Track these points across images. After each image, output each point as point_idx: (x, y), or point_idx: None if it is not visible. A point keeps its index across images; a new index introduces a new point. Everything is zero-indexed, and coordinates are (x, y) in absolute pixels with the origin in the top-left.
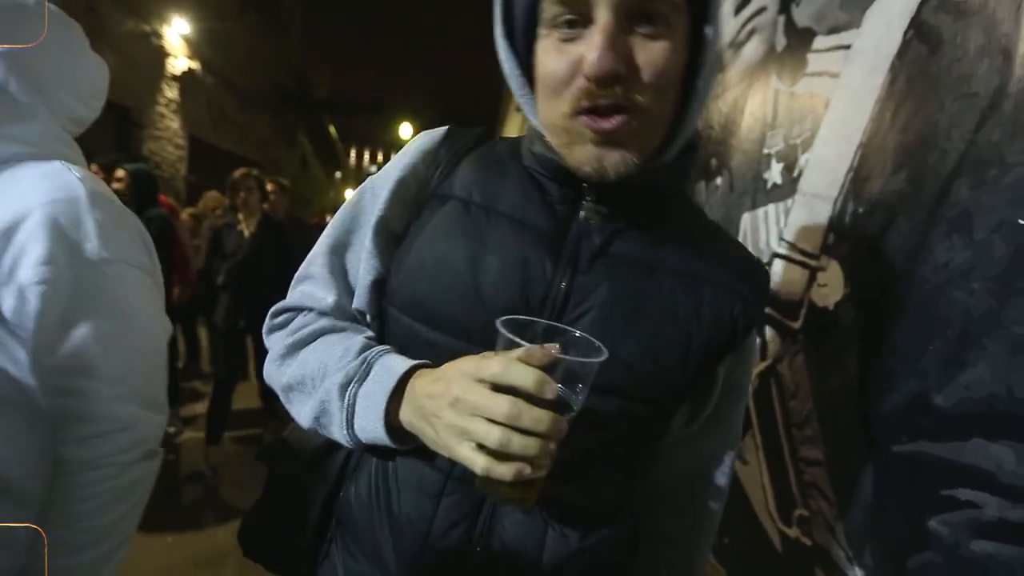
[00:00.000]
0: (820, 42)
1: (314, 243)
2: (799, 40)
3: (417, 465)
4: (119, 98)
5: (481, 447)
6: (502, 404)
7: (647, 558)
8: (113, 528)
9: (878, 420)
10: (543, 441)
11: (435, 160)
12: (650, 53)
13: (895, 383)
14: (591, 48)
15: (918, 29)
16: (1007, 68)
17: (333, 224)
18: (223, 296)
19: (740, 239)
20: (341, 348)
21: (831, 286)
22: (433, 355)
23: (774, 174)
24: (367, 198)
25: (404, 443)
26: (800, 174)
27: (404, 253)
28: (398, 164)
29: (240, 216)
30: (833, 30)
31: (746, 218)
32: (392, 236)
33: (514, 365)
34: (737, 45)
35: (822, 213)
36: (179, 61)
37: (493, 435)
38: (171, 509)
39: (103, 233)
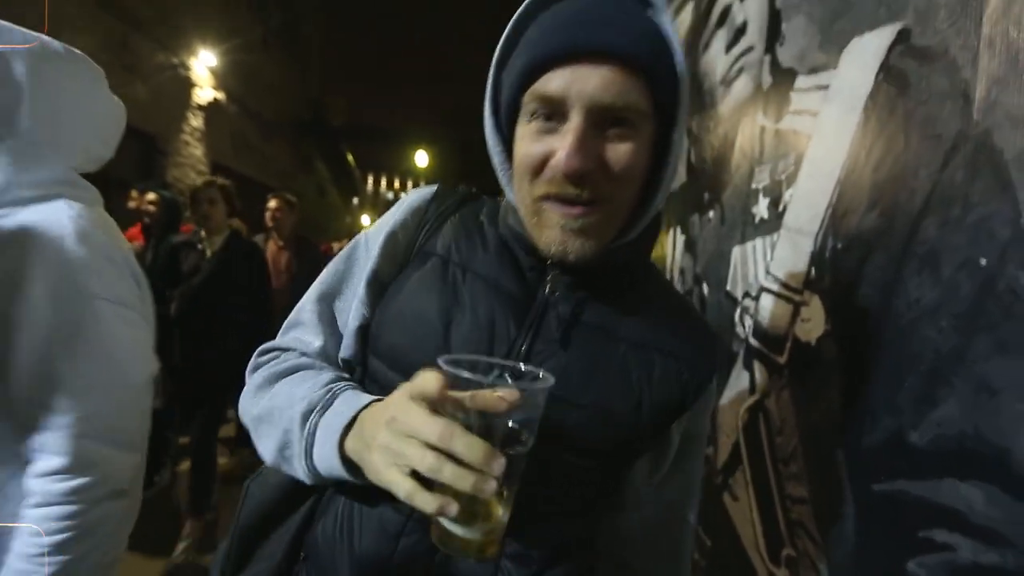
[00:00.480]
0: (802, 81)
1: (321, 266)
2: (783, 78)
3: (380, 504)
4: (146, 126)
5: (414, 474)
6: (436, 425)
7: None
8: (83, 563)
9: (858, 458)
10: (478, 476)
11: (423, 218)
12: (617, 153)
13: (874, 420)
14: (564, 146)
15: (887, 72)
16: (967, 111)
17: (326, 272)
18: (176, 330)
19: (731, 273)
20: (312, 382)
21: (813, 321)
22: None
23: (761, 209)
24: (361, 250)
25: (358, 476)
26: (784, 209)
27: (386, 304)
28: (390, 219)
29: (203, 233)
30: (813, 70)
31: (736, 252)
32: (382, 287)
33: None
34: (728, 82)
35: (804, 248)
36: (204, 91)
37: (426, 459)
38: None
39: (86, 270)
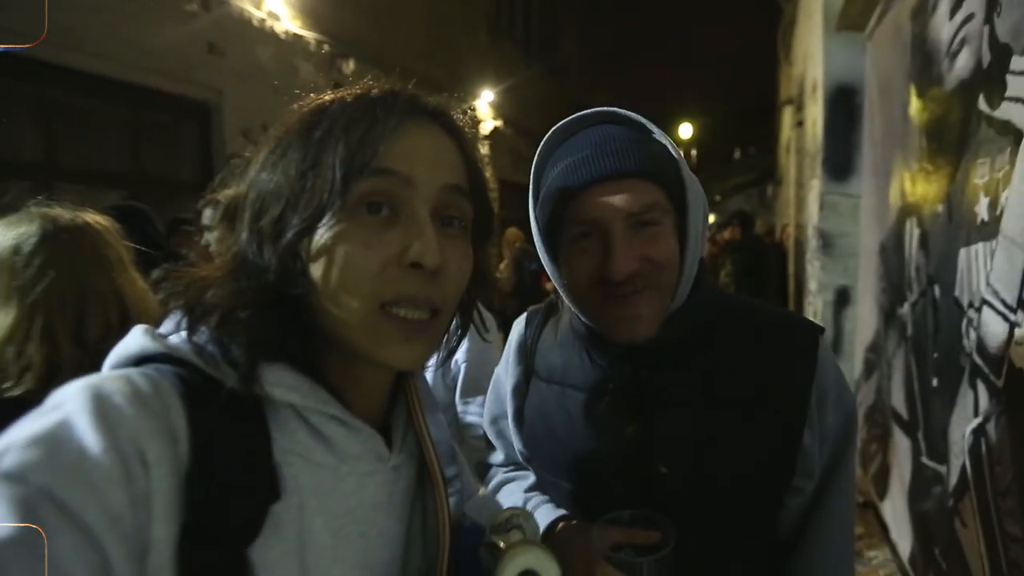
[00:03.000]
0: (1017, 63)
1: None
2: (999, 57)
3: None
4: None
5: None
6: None
7: None
8: None
9: None
10: None
11: (525, 348)
12: (655, 247)
13: None
14: (610, 258)
15: None
16: None
17: (487, 400)
18: None
19: (957, 278)
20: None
21: None
22: (558, 494)
23: (982, 209)
24: (501, 385)
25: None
26: (1001, 212)
27: (527, 434)
28: (507, 362)
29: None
30: None
31: (962, 255)
32: (520, 420)
33: None
34: (951, 54)
35: (1017, 262)
36: (487, 123)
37: None
38: None
39: None
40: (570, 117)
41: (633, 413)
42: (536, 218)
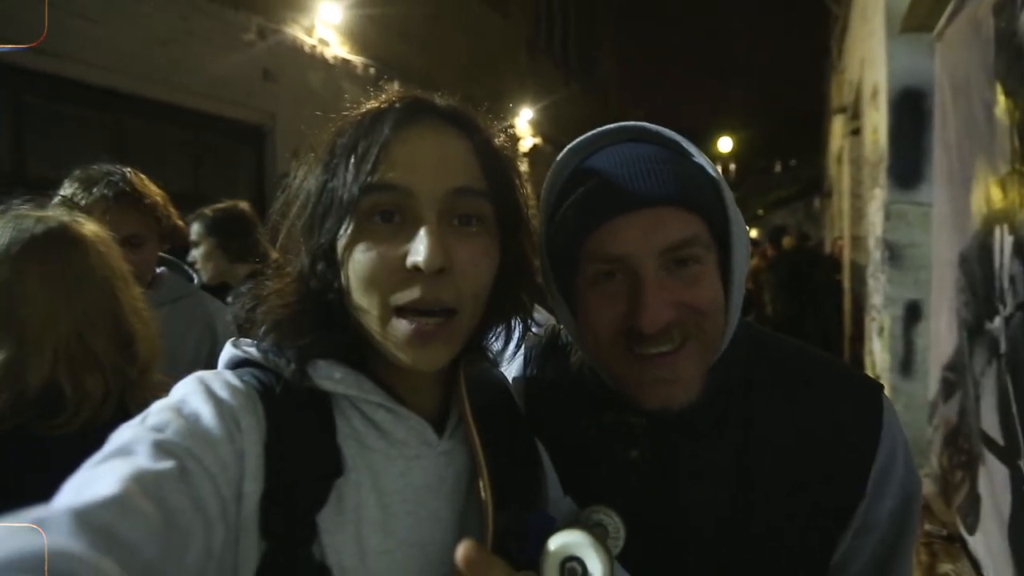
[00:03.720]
0: None
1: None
2: None
3: None
4: None
5: None
6: None
7: None
8: None
9: None
10: None
11: (521, 394)
12: (696, 292)
13: None
14: (640, 306)
15: None
16: None
17: None
18: None
19: None
20: None
21: None
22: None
23: None
24: None
25: None
26: None
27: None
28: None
29: None
30: None
31: None
32: None
33: None
34: None
35: None
36: (527, 140)
37: None
38: None
39: None
40: (590, 132)
41: (653, 490)
42: (547, 253)
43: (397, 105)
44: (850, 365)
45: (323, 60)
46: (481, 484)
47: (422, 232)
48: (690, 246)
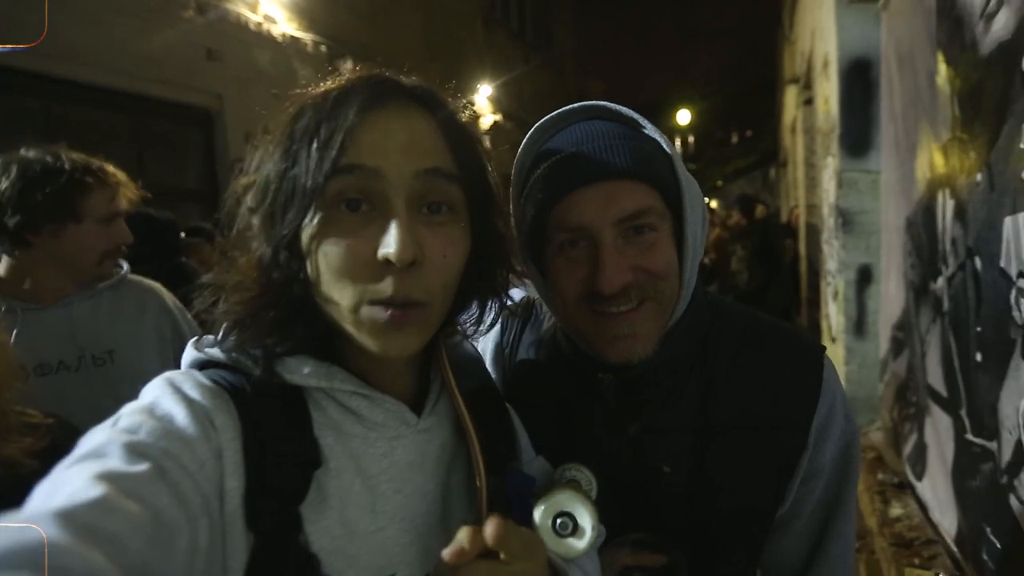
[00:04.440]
0: None
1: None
2: None
3: None
4: None
5: None
6: None
7: None
8: None
9: None
10: None
11: (501, 358)
12: (651, 256)
13: None
14: (599, 269)
15: None
16: None
17: None
18: None
19: (1003, 247)
20: None
21: None
22: None
23: None
24: None
25: None
26: None
27: None
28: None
29: None
30: None
31: (1008, 223)
32: None
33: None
34: (987, 17)
35: None
36: (487, 118)
37: None
38: None
39: None
40: (553, 112)
41: (622, 440)
42: (518, 224)
43: (361, 86)
44: (799, 328)
45: (270, 38)
46: (472, 450)
47: (393, 224)
48: (645, 215)
